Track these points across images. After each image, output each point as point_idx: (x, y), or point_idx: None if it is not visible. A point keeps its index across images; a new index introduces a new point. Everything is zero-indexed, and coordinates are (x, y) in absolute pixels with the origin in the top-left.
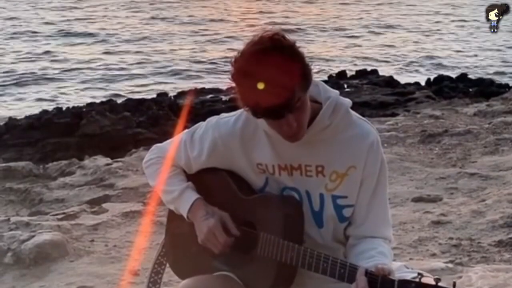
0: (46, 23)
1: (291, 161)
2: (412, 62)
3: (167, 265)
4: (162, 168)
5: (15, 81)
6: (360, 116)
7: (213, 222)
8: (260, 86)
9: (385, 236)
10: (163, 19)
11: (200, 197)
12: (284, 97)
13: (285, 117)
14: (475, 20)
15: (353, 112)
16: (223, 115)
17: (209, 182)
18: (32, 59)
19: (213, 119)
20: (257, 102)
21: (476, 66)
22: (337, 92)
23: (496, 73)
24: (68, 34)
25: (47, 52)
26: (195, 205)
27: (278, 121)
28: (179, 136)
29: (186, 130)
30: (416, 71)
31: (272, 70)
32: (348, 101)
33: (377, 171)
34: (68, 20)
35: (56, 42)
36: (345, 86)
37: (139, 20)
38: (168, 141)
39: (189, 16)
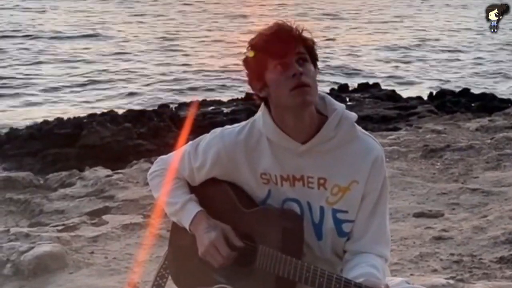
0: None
1: (293, 172)
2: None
3: (169, 277)
4: (165, 180)
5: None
6: (365, 132)
7: (214, 235)
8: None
9: (381, 254)
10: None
11: (203, 209)
12: (288, 39)
13: (290, 61)
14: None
15: (358, 127)
16: (227, 126)
17: (211, 194)
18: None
19: (217, 130)
20: (265, 43)
21: (478, 81)
22: (343, 105)
23: (499, 87)
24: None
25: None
26: (197, 217)
27: (285, 70)
28: (183, 148)
29: (190, 142)
30: (419, 84)
31: (276, 27)
32: (353, 115)
33: (379, 187)
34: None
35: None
36: (347, 99)
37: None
38: (172, 153)
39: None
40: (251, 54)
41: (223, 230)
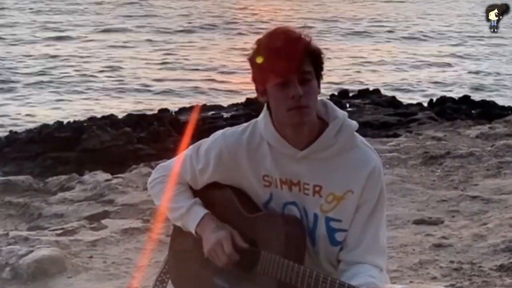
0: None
1: (291, 176)
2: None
3: (169, 282)
4: (167, 186)
5: None
6: (365, 142)
7: (223, 233)
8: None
9: (376, 264)
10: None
11: (209, 212)
12: (292, 57)
13: (291, 79)
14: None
15: (359, 137)
16: (228, 128)
17: (213, 199)
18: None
19: (218, 133)
20: (268, 63)
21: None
22: (345, 113)
23: (499, 95)
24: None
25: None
26: (205, 219)
27: (286, 87)
28: (184, 153)
29: (191, 146)
30: (419, 90)
31: (282, 40)
32: (354, 124)
33: (374, 199)
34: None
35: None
36: (347, 105)
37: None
38: (172, 159)
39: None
40: (257, 60)
41: (231, 231)
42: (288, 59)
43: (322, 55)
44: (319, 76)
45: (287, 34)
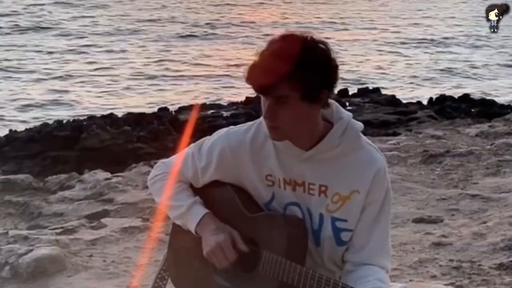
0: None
1: (295, 177)
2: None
3: (169, 280)
4: (168, 183)
5: None
6: (370, 142)
7: (223, 237)
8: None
9: (383, 266)
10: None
11: (209, 212)
12: (266, 80)
13: (268, 95)
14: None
15: (363, 137)
16: (232, 127)
17: (214, 197)
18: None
19: (221, 131)
20: (251, 74)
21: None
22: (350, 114)
23: (499, 93)
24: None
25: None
26: (205, 219)
27: (264, 99)
28: (186, 150)
29: (193, 144)
30: (419, 87)
31: (267, 55)
32: (359, 125)
33: (380, 199)
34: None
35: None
36: (347, 104)
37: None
38: (173, 156)
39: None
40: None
41: (230, 233)
42: (266, 80)
43: (319, 74)
44: (313, 95)
45: (278, 51)
